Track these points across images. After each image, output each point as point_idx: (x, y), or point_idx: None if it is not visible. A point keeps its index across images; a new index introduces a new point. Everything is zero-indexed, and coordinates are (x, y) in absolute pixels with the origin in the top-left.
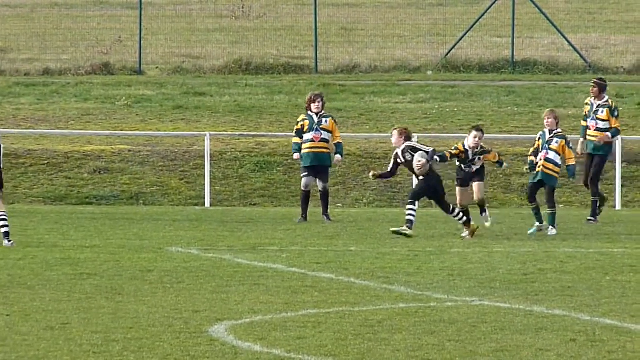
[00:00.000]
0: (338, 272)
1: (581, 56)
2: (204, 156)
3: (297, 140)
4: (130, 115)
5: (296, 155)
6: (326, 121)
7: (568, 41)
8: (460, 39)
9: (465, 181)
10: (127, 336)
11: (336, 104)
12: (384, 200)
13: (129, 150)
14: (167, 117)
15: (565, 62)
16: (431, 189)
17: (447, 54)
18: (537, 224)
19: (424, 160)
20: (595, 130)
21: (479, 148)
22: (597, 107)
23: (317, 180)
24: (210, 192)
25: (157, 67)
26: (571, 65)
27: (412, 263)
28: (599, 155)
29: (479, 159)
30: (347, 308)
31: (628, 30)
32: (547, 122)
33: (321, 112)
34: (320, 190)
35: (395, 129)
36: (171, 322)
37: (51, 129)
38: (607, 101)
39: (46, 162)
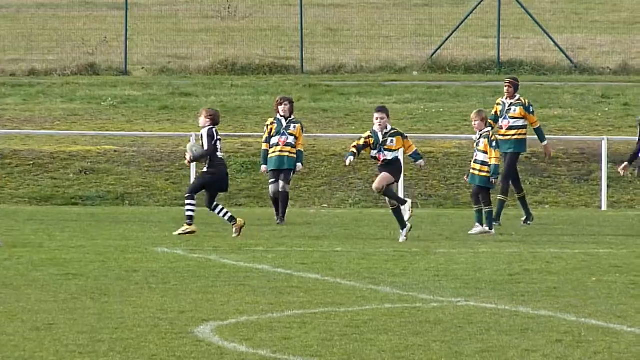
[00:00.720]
0: (324, 273)
1: (567, 57)
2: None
3: (265, 147)
4: (116, 115)
5: (263, 168)
6: (294, 127)
7: (554, 41)
8: (446, 39)
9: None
10: (113, 336)
11: (322, 105)
12: (370, 200)
13: (115, 151)
14: (153, 117)
15: (551, 62)
16: None
17: (432, 55)
18: (477, 224)
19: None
20: (507, 129)
21: (388, 129)
22: (510, 105)
23: (279, 180)
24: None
25: (142, 68)
26: (557, 66)
27: (398, 264)
28: (511, 153)
29: (392, 141)
30: (333, 308)
31: (614, 31)
32: (475, 124)
33: (290, 116)
34: (279, 190)
35: None
36: (157, 322)
37: (37, 130)
38: (519, 99)
39: (32, 162)
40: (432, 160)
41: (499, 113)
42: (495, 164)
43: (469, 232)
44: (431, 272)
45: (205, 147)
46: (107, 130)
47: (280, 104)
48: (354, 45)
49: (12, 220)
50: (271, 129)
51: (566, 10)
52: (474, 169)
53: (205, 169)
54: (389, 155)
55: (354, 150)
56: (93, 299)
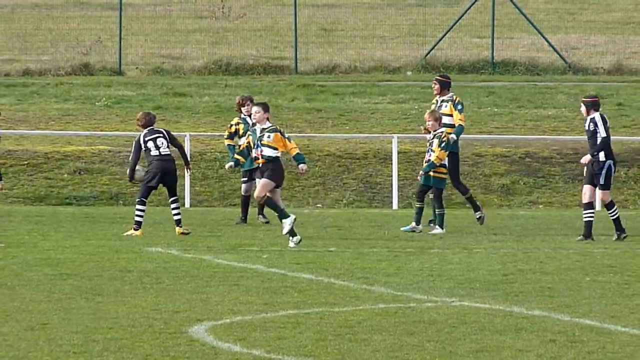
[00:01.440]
0: (318, 273)
1: (561, 57)
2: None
3: (229, 142)
4: (110, 115)
5: (229, 165)
6: (269, 136)
7: (548, 42)
8: (440, 39)
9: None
10: (107, 336)
11: (316, 105)
12: (364, 200)
13: (109, 151)
14: None
15: (545, 62)
16: None
17: (426, 55)
18: (414, 223)
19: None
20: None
21: (267, 126)
22: (441, 102)
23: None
24: (190, 193)
25: (137, 68)
26: (551, 66)
27: (392, 263)
28: (450, 154)
29: (269, 137)
30: (327, 308)
31: (608, 31)
32: (428, 124)
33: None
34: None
35: None
36: (151, 322)
37: (31, 130)
38: (451, 97)
39: (26, 162)
40: None
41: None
42: (433, 162)
43: (402, 229)
44: (425, 272)
45: (130, 159)
46: (101, 130)
47: (243, 105)
48: (348, 45)
49: (7, 220)
50: (237, 129)
51: (560, 10)
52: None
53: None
54: (267, 152)
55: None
56: (87, 299)
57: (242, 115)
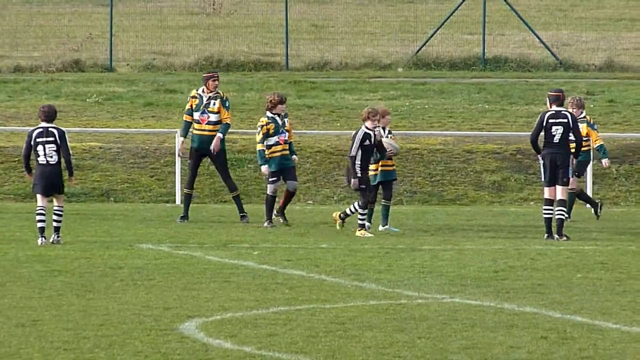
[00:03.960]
0: (309, 270)
1: (552, 53)
2: (174, 153)
3: (262, 147)
4: (100, 112)
5: (265, 168)
6: (286, 121)
7: (539, 38)
8: (431, 36)
9: None
10: (98, 333)
11: (307, 101)
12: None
13: (100, 147)
14: (138, 114)
15: (536, 59)
16: None
17: (417, 51)
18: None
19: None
20: (206, 124)
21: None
22: (209, 99)
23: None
24: (181, 189)
25: (127, 64)
26: (542, 62)
27: (383, 260)
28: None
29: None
30: (318, 305)
31: (599, 27)
32: (383, 120)
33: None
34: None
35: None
36: (142, 319)
37: (22, 126)
38: (217, 92)
39: (17, 159)
40: (417, 157)
41: (194, 107)
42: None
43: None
44: (416, 268)
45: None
46: (92, 127)
47: (281, 103)
48: (339, 42)
49: None
50: (268, 130)
51: (551, 6)
52: (382, 164)
53: None
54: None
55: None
56: (78, 296)
57: (270, 115)
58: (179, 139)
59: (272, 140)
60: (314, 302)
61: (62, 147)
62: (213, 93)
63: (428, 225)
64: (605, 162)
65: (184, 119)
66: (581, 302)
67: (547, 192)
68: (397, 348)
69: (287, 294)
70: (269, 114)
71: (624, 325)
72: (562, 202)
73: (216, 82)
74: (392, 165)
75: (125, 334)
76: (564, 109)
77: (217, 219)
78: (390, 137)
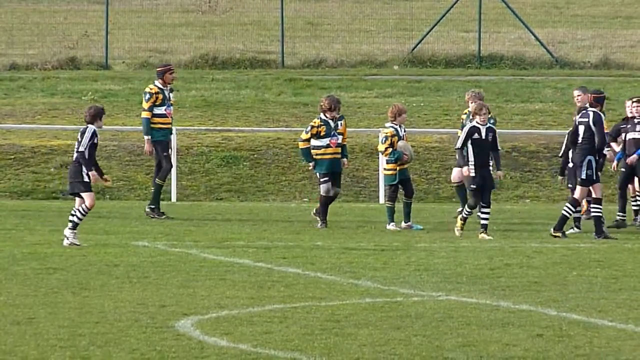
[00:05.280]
0: (304, 267)
1: (548, 51)
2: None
3: (307, 145)
4: None
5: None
6: (341, 124)
7: (535, 36)
8: (427, 33)
9: None
10: (94, 331)
11: (303, 99)
12: (351, 194)
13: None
14: (134, 111)
15: (531, 56)
16: None
17: (413, 49)
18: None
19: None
20: (170, 117)
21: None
22: (170, 92)
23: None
24: (177, 187)
25: (123, 62)
26: (538, 60)
27: (379, 258)
28: None
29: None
30: (314, 303)
31: (595, 25)
32: (399, 119)
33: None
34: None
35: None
36: (137, 316)
37: (18, 124)
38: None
39: (13, 157)
40: (413, 155)
41: (158, 102)
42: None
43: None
44: (412, 266)
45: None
46: None
47: (332, 109)
48: (335, 40)
49: None
50: (319, 131)
51: (547, 4)
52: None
53: None
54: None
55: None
56: (74, 293)
57: (324, 117)
58: (146, 138)
59: (324, 142)
60: (310, 300)
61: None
62: (170, 86)
63: (424, 222)
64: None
65: (145, 115)
66: (577, 300)
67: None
68: (392, 346)
69: (283, 292)
70: (322, 116)
71: (619, 323)
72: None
73: (174, 75)
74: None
75: (121, 332)
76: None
77: (213, 217)
78: (404, 136)
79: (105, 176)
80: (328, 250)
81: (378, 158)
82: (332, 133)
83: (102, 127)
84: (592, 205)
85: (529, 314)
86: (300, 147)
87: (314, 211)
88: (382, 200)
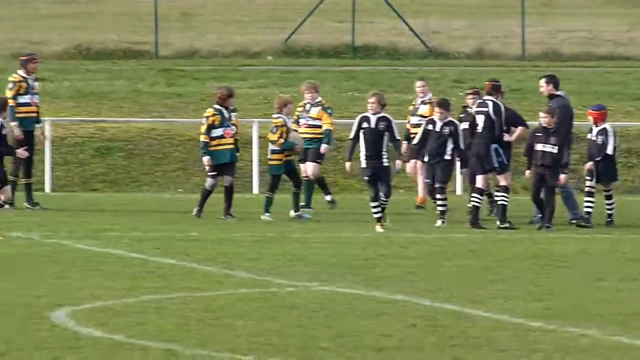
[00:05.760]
0: (179, 258)
1: (422, 41)
2: (44, 141)
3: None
4: None
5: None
6: (234, 115)
7: (409, 26)
8: (301, 23)
9: None
10: None
11: (176, 89)
12: (220, 186)
13: None
14: None
15: (405, 47)
16: None
17: (287, 39)
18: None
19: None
20: (35, 105)
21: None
22: (34, 81)
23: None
24: (51, 178)
25: None
26: (412, 50)
27: (253, 248)
28: None
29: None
30: (189, 294)
31: (469, 16)
32: (285, 109)
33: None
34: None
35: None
36: (12, 307)
37: None
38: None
39: None
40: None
41: (21, 91)
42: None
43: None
44: (286, 256)
45: None
46: None
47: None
48: (209, 30)
49: None
50: (214, 121)
51: None
52: None
53: None
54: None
55: None
56: None
57: (217, 107)
58: (14, 124)
59: (218, 132)
60: (185, 291)
61: None
62: (34, 75)
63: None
64: (323, 147)
65: (10, 103)
66: (451, 290)
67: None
68: (267, 336)
69: (158, 282)
70: (216, 106)
71: (494, 313)
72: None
73: (37, 64)
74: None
75: None
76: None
77: (87, 208)
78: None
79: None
80: (203, 241)
81: (252, 149)
82: (226, 124)
83: (6, 118)
84: (499, 194)
85: (404, 304)
86: (202, 140)
87: (223, 216)
88: (255, 190)
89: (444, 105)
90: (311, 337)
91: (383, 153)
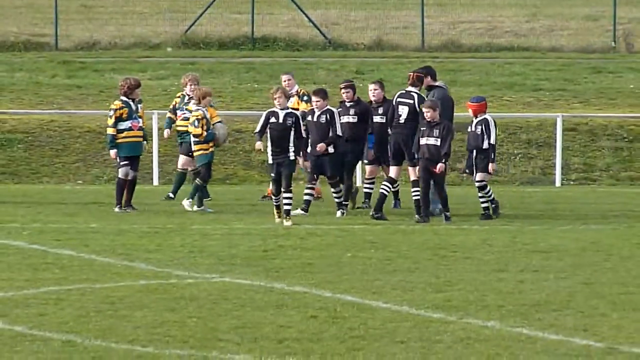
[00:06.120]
0: (79, 249)
1: (321, 32)
2: None
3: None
4: None
5: (113, 153)
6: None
7: (308, 17)
8: (200, 15)
9: None
10: None
11: (76, 81)
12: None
13: None
14: None
15: (305, 38)
16: None
17: (186, 31)
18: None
19: None
20: None
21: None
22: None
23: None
24: None
25: None
26: (311, 42)
27: (153, 240)
28: None
29: None
30: (88, 285)
31: (368, 7)
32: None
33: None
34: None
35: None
36: None
37: None
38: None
39: None
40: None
41: None
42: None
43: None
44: (186, 248)
45: None
46: None
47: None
48: (108, 22)
49: None
50: (122, 114)
51: None
52: None
53: None
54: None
55: None
56: None
57: (125, 99)
58: None
59: (125, 124)
60: (84, 282)
61: None
62: None
63: (217, 205)
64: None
65: None
66: (351, 281)
67: (394, 172)
68: (167, 327)
69: (58, 274)
70: (123, 98)
71: (394, 305)
72: (416, 183)
73: None
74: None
75: None
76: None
77: None
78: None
79: None
80: (102, 232)
81: (151, 140)
82: (134, 116)
83: None
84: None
85: (303, 295)
86: (109, 132)
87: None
88: (155, 182)
89: (319, 93)
90: (211, 329)
91: (289, 148)
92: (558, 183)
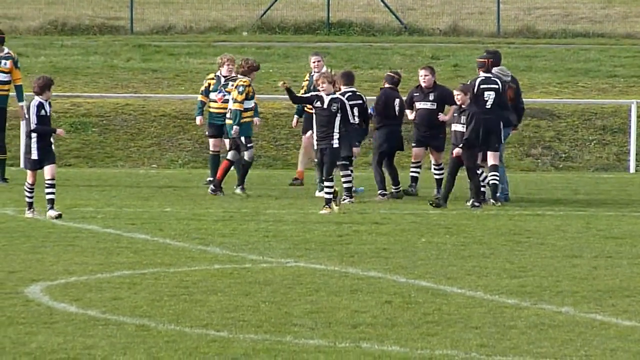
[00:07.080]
0: (153, 233)
1: (397, 17)
2: (18, 116)
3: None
4: None
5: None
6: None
7: (384, 2)
8: (276, 0)
9: None
10: None
11: (151, 65)
12: (199, 161)
13: None
14: None
15: (380, 23)
16: None
17: (262, 15)
18: None
19: None
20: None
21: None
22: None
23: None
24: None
25: None
26: (387, 27)
27: (228, 224)
28: None
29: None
30: (162, 269)
31: None
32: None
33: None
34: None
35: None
36: None
37: None
38: (8, 53)
39: None
40: (262, 121)
41: None
42: None
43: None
44: (260, 232)
45: None
46: None
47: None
48: (184, 6)
49: None
50: (249, 92)
51: None
52: None
53: None
54: None
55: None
56: None
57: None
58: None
59: (250, 103)
60: (159, 266)
61: None
62: (4, 53)
63: (272, 189)
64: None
65: None
66: (426, 267)
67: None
68: (241, 312)
69: (132, 258)
70: (247, 78)
71: (468, 290)
72: (494, 167)
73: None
74: None
75: None
76: (493, 75)
77: (62, 183)
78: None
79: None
80: (177, 216)
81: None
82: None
83: (49, 98)
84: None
85: (378, 280)
86: (236, 108)
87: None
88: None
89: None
90: (285, 313)
91: (334, 135)
92: (632, 169)
